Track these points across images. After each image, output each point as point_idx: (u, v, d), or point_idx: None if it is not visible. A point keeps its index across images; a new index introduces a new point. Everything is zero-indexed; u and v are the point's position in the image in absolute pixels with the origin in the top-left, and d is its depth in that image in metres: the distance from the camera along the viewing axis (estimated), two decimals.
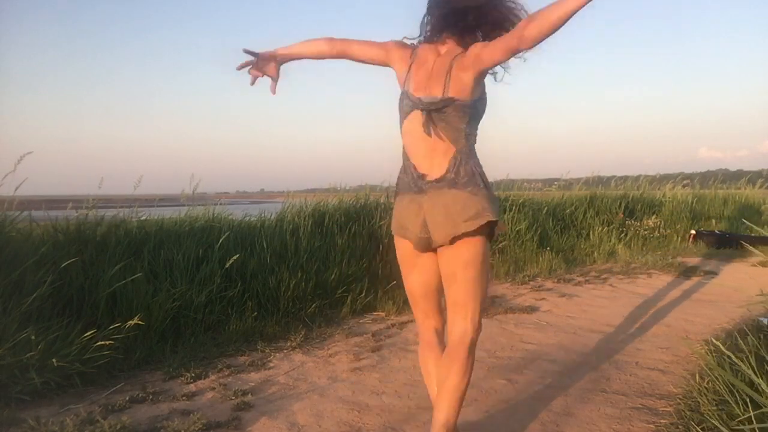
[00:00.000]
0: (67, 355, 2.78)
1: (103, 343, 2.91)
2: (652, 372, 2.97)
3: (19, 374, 2.61)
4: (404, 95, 1.83)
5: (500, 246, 6.24)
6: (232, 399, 2.64)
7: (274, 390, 2.80)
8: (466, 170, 1.78)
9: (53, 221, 3.70)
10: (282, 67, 1.99)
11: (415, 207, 1.80)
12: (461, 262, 1.78)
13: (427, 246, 1.83)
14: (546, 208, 7.61)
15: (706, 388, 2.34)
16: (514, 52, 1.64)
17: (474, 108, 1.80)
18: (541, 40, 1.56)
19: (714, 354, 2.57)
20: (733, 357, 2.01)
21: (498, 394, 2.69)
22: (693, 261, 6.82)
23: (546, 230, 7.13)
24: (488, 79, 1.86)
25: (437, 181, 1.79)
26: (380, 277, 4.67)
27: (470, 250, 1.78)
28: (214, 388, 2.78)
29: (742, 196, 10.60)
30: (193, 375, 2.92)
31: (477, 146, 1.86)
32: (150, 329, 3.37)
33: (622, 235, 7.87)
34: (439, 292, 1.96)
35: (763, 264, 6.34)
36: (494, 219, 1.76)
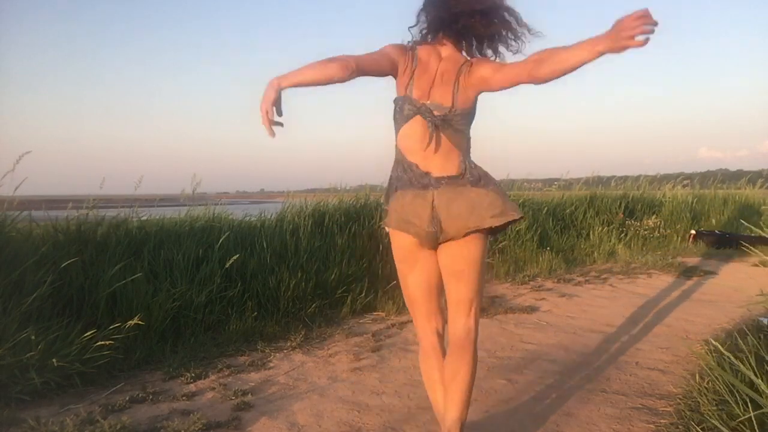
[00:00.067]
0: (67, 355, 2.78)
1: (103, 343, 2.91)
2: (652, 372, 2.97)
3: (19, 374, 2.61)
4: (406, 100, 1.82)
5: (500, 246, 6.24)
6: (232, 399, 2.64)
7: (274, 390, 2.80)
8: (477, 170, 1.84)
9: (53, 221, 3.70)
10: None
11: (421, 201, 1.80)
12: (470, 259, 1.83)
13: (433, 240, 1.83)
14: (546, 208, 7.61)
15: (706, 388, 2.34)
16: (519, 84, 1.71)
17: (473, 113, 1.87)
18: (550, 81, 1.63)
19: (714, 354, 2.57)
20: (732, 357, 2.01)
21: (498, 394, 2.69)
22: (693, 261, 6.83)
23: (546, 230, 7.13)
24: None
25: (452, 178, 1.81)
26: (380, 277, 4.67)
27: (479, 247, 1.83)
28: (214, 388, 2.78)
29: (742, 196, 10.59)
30: (193, 375, 2.93)
31: (473, 147, 1.91)
32: (150, 329, 3.37)
33: (622, 235, 7.87)
34: (440, 291, 1.95)
35: (763, 264, 6.33)
36: (519, 216, 1.83)
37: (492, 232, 1.87)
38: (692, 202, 9.44)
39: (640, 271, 6.09)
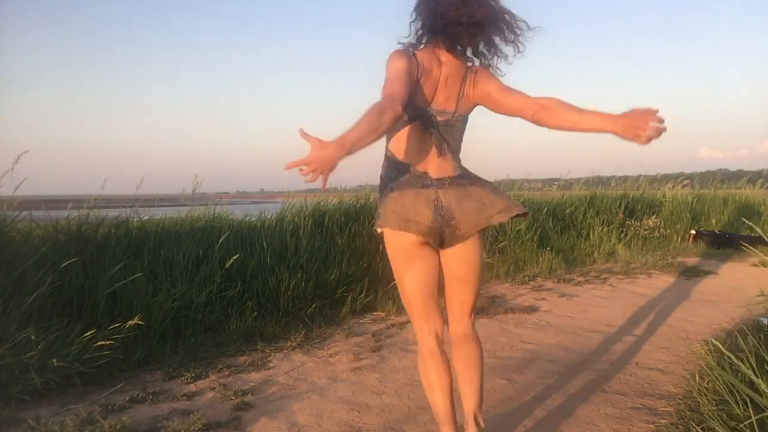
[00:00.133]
0: (67, 355, 2.78)
1: (103, 343, 2.91)
2: (652, 372, 2.97)
3: (19, 374, 2.61)
4: (409, 106, 1.78)
5: (500, 246, 6.24)
6: (232, 399, 2.64)
7: (274, 390, 2.80)
8: (469, 172, 1.90)
9: (53, 221, 3.70)
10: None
11: (424, 199, 1.80)
12: (475, 263, 1.88)
13: (438, 237, 1.83)
14: (546, 208, 7.61)
15: (706, 388, 2.34)
16: (520, 118, 1.79)
17: (468, 118, 1.93)
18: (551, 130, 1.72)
19: (714, 354, 2.57)
20: (733, 358, 2.01)
21: (498, 394, 2.69)
22: (693, 261, 6.83)
23: (546, 230, 7.13)
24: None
25: (454, 178, 1.84)
26: (380, 277, 4.67)
27: (481, 249, 1.90)
28: (214, 388, 2.78)
29: (742, 196, 10.59)
30: (193, 375, 2.93)
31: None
32: (150, 329, 3.37)
33: (622, 235, 7.87)
34: (437, 291, 1.94)
35: (763, 264, 6.33)
36: (524, 211, 1.87)
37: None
38: (692, 202, 9.43)
39: (640, 271, 6.09)
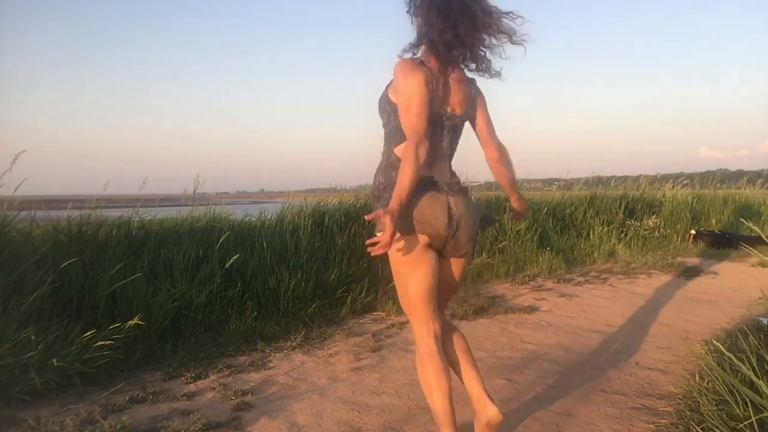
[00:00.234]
0: (67, 355, 2.78)
1: (103, 343, 2.91)
2: (652, 372, 2.97)
3: (19, 374, 2.61)
4: (430, 110, 1.84)
5: (500, 246, 6.24)
6: (232, 399, 2.64)
7: (274, 390, 2.80)
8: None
9: (54, 222, 3.70)
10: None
11: (440, 205, 1.81)
12: (466, 269, 2.00)
13: (442, 244, 1.86)
14: (546, 208, 7.61)
15: (706, 388, 2.34)
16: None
17: None
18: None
19: (714, 354, 2.57)
20: (733, 359, 2.01)
21: (498, 394, 2.69)
22: (693, 261, 6.83)
23: (546, 230, 7.13)
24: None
25: (460, 186, 1.91)
26: (380, 277, 4.67)
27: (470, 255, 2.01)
28: (214, 388, 2.78)
29: (742, 196, 10.59)
30: (193, 375, 2.92)
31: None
32: (150, 329, 3.37)
33: (622, 235, 7.87)
34: (435, 294, 1.96)
35: (763, 264, 6.34)
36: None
37: None
38: (692, 202, 9.43)
39: (640, 271, 6.09)
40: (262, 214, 5.07)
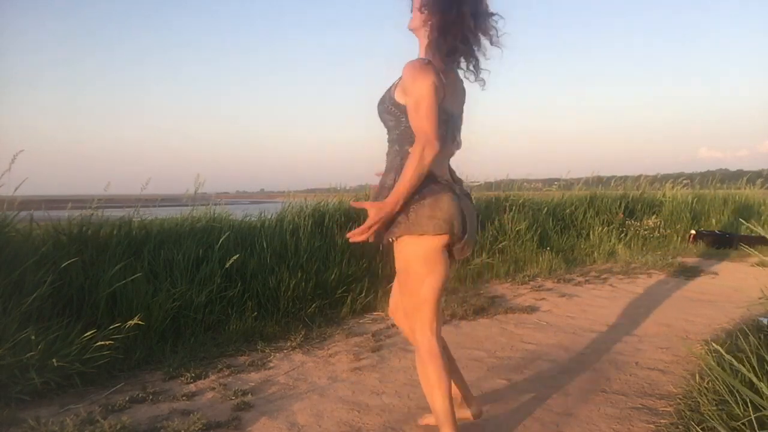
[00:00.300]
0: (67, 355, 2.78)
1: (103, 343, 2.91)
2: (652, 372, 2.97)
3: (19, 374, 2.61)
4: (442, 110, 1.84)
5: (500, 246, 6.24)
6: (232, 399, 2.64)
7: (274, 390, 2.80)
8: None
9: (54, 222, 3.70)
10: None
11: (457, 209, 1.85)
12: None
13: (453, 246, 1.90)
14: (546, 208, 7.61)
15: (706, 388, 2.34)
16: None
17: None
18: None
19: (714, 354, 2.57)
20: (734, 361, 2.01)
21: (498, 394, 2.69)
22: (693, 261, 6.83)
23: (546, 230, 7.13)
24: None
25: (459, 185, 1.94)
26: (380, 277, 4.67)
27: None
28: (214, 388, 2.78)
29: (742, 196, 10.59)
30: (193, 375, 2.92)
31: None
32: (150, 329, 3.37)
33: (622, 235, 7.87)
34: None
35: (763, 264, 6.34)
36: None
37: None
38: (692, 202, 9.43)
39: (640, 271, 6.09)
40: (262, 214, 5.07)
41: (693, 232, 8.32)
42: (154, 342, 3.35)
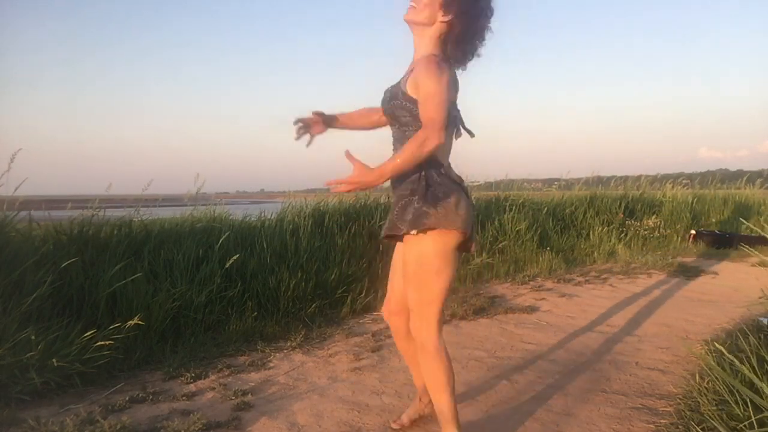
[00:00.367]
0: (67, 355, 2.78)
1: (103, 343, 2.91)
2: (652, 372, 2.97)
3: (19, 374, 2.61)
4: (453, 106, 1.89)
5: (500, 246, 6.24)
6: (232, 399, 2.64)
7: (274, 390, 2.80)
8: None
9: (54, 222, 3.70)
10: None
11: (472, 206, 1.91)
12: None
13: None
14: (546, 208, 7.61)
15: (706, 388, 2.34)
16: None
17: None
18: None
19: (714, 354, 2.57)
20: (735, 361, 2.01)
21: (498, 394, 2.69)
22: (693, 261, 6.83)
23: (546, 230, 7.13)
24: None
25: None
26: (380, 277, 4.67)
27: None
28: (214, 388, 2.78)
29: (742, 196, 10.60)
30: (193, 375, 2.92)
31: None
32: (150, 329, 3.37)
33: (622, 235, 7.87)
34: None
35: (763, 264, 6.33)
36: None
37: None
38: (692, 202, 9.43)
39: (640, 271, 6.09)
40: (262, 214, 5.07)
41: (693, 232, 8.32)
42: (154, 342, 3.35)
